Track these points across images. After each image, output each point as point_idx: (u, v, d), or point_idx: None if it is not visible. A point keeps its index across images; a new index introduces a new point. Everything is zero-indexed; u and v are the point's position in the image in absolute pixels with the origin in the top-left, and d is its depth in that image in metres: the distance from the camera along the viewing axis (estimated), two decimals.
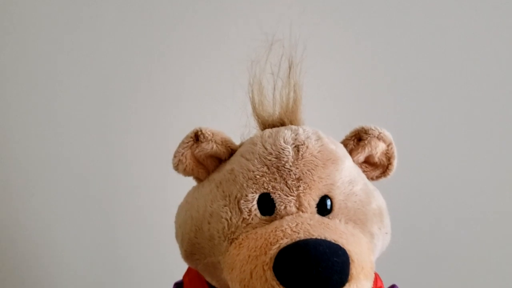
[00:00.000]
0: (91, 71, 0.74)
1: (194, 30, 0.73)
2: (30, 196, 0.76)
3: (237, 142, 0.44)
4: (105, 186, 0.77)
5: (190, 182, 0.45)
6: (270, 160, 0.39)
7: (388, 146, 0.44)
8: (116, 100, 0.75)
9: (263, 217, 0.38)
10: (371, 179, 0.45)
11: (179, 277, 0.49)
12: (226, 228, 0.38)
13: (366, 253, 0.36)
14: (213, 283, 0.41)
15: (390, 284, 0.48)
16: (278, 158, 0.39)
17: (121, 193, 0.78)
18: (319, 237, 0.34)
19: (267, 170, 0.39)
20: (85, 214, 0.77)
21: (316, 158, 0.39)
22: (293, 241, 0.34)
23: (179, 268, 0.48)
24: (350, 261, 0.33)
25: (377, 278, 0.46)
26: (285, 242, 0.34)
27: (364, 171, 0.44)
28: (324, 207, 0.39)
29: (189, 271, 0.47)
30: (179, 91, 0.73)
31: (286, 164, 0.39)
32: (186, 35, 0.73)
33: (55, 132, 0.75)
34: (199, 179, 0.44)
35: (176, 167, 0.42)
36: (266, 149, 0.39)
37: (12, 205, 0.76)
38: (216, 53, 0.70)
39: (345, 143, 0.44)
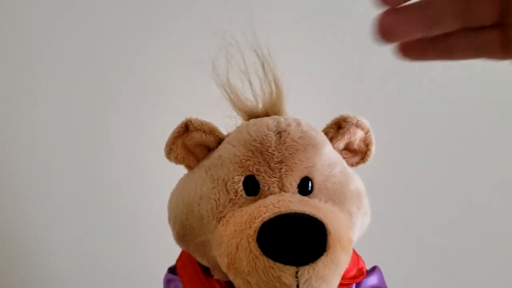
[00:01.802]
0: (84, 70, 0.76)
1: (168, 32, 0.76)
2: (28, 195, 0.78)
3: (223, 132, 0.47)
4: (102, 185, 0.79)
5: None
6: (254, 146, 0.42)
7: (366, 133, 0.47)
8: (107, 101, 0.77)
9: (249, 197, 0.41)
10: (351, 165, 0.48)
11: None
12: (215, 208, 0.41)
13: (343, 227, 0.39)
14: (204, 262, 0.44)
15: (371, 265, 0.51)
16: (261, 143, 0.42)
17: (111, 191, 0.79)
18: (298, 211, 0.37)
19: (251, 155, 0.42)
20: (83, 214, 0.79)
21: (297, 143, 0.42)
22: (275, 214, 0.36)
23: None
24: (328, 232, 0.36)
25: (358, 259, 0.48)
26: (267, 216, 0.37)
27: (344, 158, 0.47)
28: (305, 188, 0.42)
29: (181, 255, 0.49)
30: (164, 89, 0.76)
31: (269, 148, 0.42)
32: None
33: (52, 131, 0.77)
34: (189, 167, 0.47)
35: (168, 155, 0.45)
36: (251, 135, 0.43)
37: (11, 204, 0.78)
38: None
39: (325, 131, 0.47)
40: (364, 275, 0.48)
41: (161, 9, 0.76)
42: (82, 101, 0.77)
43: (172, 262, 0.51)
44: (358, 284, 0.47)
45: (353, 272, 0.47)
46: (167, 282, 0.50)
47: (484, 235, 0.79)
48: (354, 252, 0.48)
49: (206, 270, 0.45)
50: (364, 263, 0.49)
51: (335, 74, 0.77)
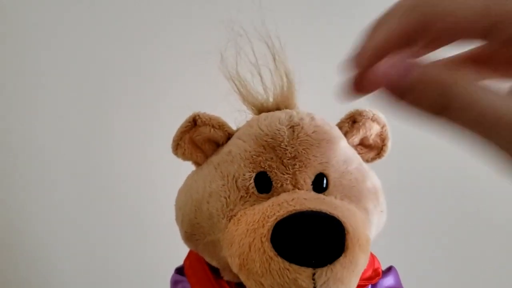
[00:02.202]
0: (88, 64, 0.75)
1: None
2: (26, 195, 0.77)
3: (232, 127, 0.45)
4: (101, 183, 0.78)
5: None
6: (266, 141, 0.40)
7: (382, 127, 0.44)
8: (109, 97, 0.76)
9: (261, 195, 0.39)
10: (366, 161, 0.46)
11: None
12: (225, 205, 0.39)
13: (361, 226, 0.37)
14: (213, 263, 0.42)
15: (387, 265, 0.49)
16: (273, 138, 0.40)
17: (117, 190, 0.78)
18: (315, 209, 0.35)
19: (263, 150, 0.40)
20: (82, 212, 0.78)
21: (311, 137, 0.40)
22: (290, 213, 0.35)
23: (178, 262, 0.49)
24: (346, 232, 0.34)
25: (374, 259, 0.47)
26: (281, 214, 0.35)
27: (359, 153, 0.45)
28: (319, 185, 0.40)
29: (189, 255, 0.48)
30: (171, 85, 0.74)
31: (282, 143, 0.40)
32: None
33: (49, 129, 0.76)
34: (197, 164, 0.45)
35: (175, 151, 0.43)
36: (262, 130, 0.41)
37: (8, 204, 0.76)
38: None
39: (340, 125, 0.44)
40: (380, 276, 0.46)
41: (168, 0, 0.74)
42: (85, 97, 0.76)
43: (179, 262, 0.49)
44: (374, 285, 0.45)
45: (369, 272, 0.45)
46: (174, 283, 0.48)
47: (502, 235, 0.77)
48: (370, 253, 0.46)
49: (215, 271, 0.43)
50: (379, 263, 0.47)
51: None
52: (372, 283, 0.45)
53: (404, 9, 0.22)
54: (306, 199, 0.36)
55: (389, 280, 0.47)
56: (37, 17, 0.73)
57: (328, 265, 0.32)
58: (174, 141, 0.43)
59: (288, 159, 0.39)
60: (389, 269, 0.49)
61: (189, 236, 0.42)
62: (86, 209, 0.78)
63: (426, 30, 0.22)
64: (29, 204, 0.77)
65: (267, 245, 0.34)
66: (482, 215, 0.77)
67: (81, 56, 0.75)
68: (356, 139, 0.45)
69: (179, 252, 0.48)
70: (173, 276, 0.49)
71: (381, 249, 0.47)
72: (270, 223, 0.34)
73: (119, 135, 0.77)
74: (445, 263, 0.77)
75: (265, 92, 0.44)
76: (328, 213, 0.35)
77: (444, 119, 0.22)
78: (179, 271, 0.48)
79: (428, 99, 0.22)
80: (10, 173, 0.76)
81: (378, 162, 0.46)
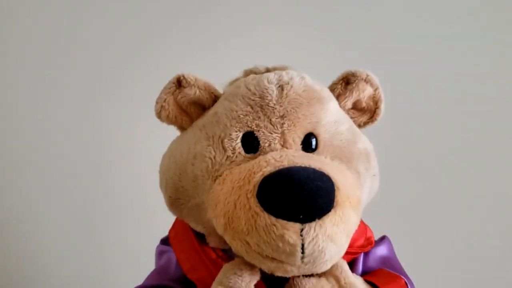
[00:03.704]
0: (78, 63, 0.75)
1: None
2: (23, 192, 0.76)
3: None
4: (96, 182, 0.77)
5: None
6: (253, 100, 0.38)
7: (375, 90, 0.43)
8: (104, 92, 0.75)
9: (247, 155, 0.37)
10: (359, 125, 0.44)
11: None
12: (210, 166, 0.37)
13: (352, 185, 0.35)
14: (199, 228, 0.40)
15: (380, 235, 0.48)
16: (261, 97, 0.38)
17: (112, 189, 0.77)
18: (303, 165, 0.33)
19: (250, 110, 0.38)
20: (76, 210, 0.77)
21: (301, 96, 0.39)
22: (277, 168, 0.33)
23: None
24: (336, 188, 0.32)
25: (366, 228, 0.45)
26: (268, 170, 0.33)
27: (351, 117, 0.43)
28: (309, 144, 0.38)
29: (174, 224, 0.46)
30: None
31: (270, 102, 0.38)
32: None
33: (46, 128, 0.76)
34: (182, 128, 0.43)
35: (159, 114, 0.41)
36: (249, 90, 0.39)
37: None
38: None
39: (332, 87, 0.43)
40: (373, 245, 0.44)
41: None
42: (83, 95, 0.75)
43: None
44: (366, 254, 0.44)
45: (361, 241, 0.43)
46: (160, 253, 0.46)
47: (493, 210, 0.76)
48: (361, 221, 0.44)
49: (201, 238, 0.41)
50: (372, 232, 0.46)
51: (344, 27, 0.73)
52: (365, 251, 0.43)
53: None
54: (294, 156, 0.35)
55: (382, 250, 0.45)
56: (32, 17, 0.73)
57: (317, 220, 0.31)
58: (157, 103, 0.41)
59: (277, 118, 0.37)
60: (382, 238, 0.47)
61: (174, 201, 0.40)
62: (84, 209, 0.77)
63: None
64: (28, 205, 0.76)
65: (253, 201, 0.32)
66: (478, 188, 0.76)
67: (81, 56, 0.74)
68: (349, 102, 0.43)
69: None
70: (158, 246, 0.47)
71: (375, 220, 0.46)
72: (256, 179, 0.33)
73: (117, 133, 0.76)
74: (441, 235, 0.76)
75: None
76: (317, 168, 0.33)
77: None
78: (164, 241, 0.47)
79: None
80: (9, 173, 0.75)
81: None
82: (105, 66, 0.75)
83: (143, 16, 0.73)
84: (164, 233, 0.47)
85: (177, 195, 0.39)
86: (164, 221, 0.46)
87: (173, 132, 0.44)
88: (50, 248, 0.77)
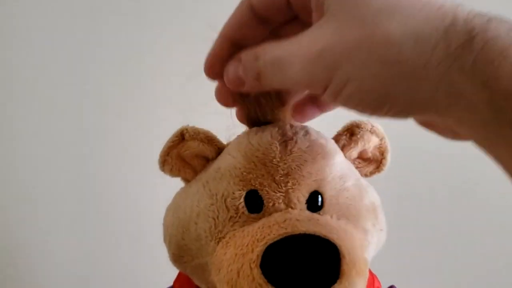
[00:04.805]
0: (79, 68, 0.75)
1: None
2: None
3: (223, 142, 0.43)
4: (96, 186, 0.78)
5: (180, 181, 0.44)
6: (257, 156, 0.38)
7: (381, 140, 0.42)
8: (105, 100, 0.75)
9: (251, 215, 0.36)
10: (365, 175, 0.43)
11: (170, 279, 0.47)
12: (213, 227, 0.36)
13: (358, 249, 0.35)
14: (203, 286, 0.40)
15: (388, 284, 0.47)
16: (265, 154, 0.37)
17: (111, 192, 0.77)
18: (307, 232, 0.32)
19: (253, 167, 0.37)
20: (76, 213, 0.77)
21: (305, 153, 0.38)
22: (280, 237, 0.32)
23: (172, 269, 0.47)
24: (341, 256, 0.31)
25: (374, 279, 0.44)
26: (272, 237, 0.32)
27: (357, 167, 0.43)
28: (314, 203, 0.37)
29: (179, 276, 0.45)
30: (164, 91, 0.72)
31: (274, 159, 0.37)
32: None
33: (44, 129, 0.76)
34: (186, 180, 0.42)
35: (162, 168, 0.41)
36: (252, 145, 0.38)
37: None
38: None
39: (336, 138, 0.42)
40: None
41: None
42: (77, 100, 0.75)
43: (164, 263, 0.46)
44: None
45: None
46: None
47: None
48: (370, 271, 0.43)
49: None
50: (379, 283, 0.45)
51: None
52: None
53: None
54: (298, 221, 0.34)
55: None
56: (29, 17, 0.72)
57: None
58: (160, 157, 0.41)
59: (281, 176, 0.37)
60: None
61: (177, 258, 0.39)
62: (81, 214, 0.77)
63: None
64: (26, 206, 0.76)
65: (256, 272, 0.31)
66: (491, 233, 0.75)
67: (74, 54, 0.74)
68: (354, 152, 0.42)
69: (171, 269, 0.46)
70: None
71: (381, 266, 0.45)
72: (260, 247, 0.32)
73: (115, 137, 0.76)
74: (449, 280, 0.75)
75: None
76: (322, 236, 0.32)
77: (263, 86, 0.28)
78: None
79: (248, 75, 0.27)
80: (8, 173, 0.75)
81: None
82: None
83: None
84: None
85: (181, 252, 0.39)
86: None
87: None
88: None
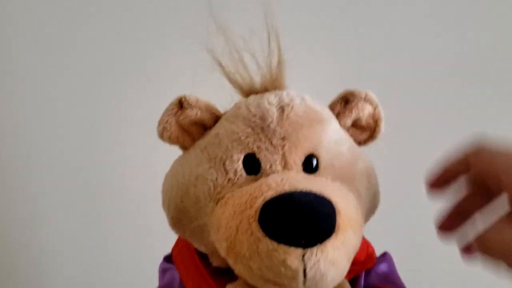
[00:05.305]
0: (78, 64, 0.75)
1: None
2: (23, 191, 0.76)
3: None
4: (96, 182, 0.77)
5: None
6: (254, 122, 0.39)
7: (374, 108, 0.43)
8: (99, 92, 0.75)
9: (249, 177, 0.37)
10: (359, 143, 0.44)
11: None
12: (212, 189, 0.37)
13: (353, 207, 0.36)
14: (201, 248, 0.41)
15: (381, 251, 0.48)
16: (262, 119, 0.38)
17: (112, 188, 0.77)
18: (304, 189, 0.33)
19: (251, 131, 0.38)
20: (77, 211, 0.77)
21: (302, 118, 0.39)
22: (278, 193, 0.33)
23: None
24: (337, 211, 0.33)
25: (368, 244, 0.45)
26: (269, 194, 0.33)
27: (351, 136, 0.44)
28: (310, 166, 0.38)
29: (178, 242, 0.46)
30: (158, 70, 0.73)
31: (271, 124, 0.38)
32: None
33: (45, 127, 0.76)
34: (185, 148, 0.43)
35: (161, 135, 0.42)
36: (250, 111, 0.39)
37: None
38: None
39: (332, 107, 0.43)
40: (374, 261, 0.45)
41: None
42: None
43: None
44: (367, 271, 0.44)
45: (362, 257, 0.43)
46: (163, 271, 0.47)
47: None
48: (363, 237, 0.44)
49: (204, 258, 0.42)
50: (373, 248, 0.46)
51: (342, 46, 0.73)
52: (366, 267, 0.44)
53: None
54: (296, 180, 0.35)
55: (383, 266, 0.46)
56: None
57: (318, 245, 0.31)
58: (159, 125, 0.41)
59: (277, 140, 0.38)
60: (384, 255, 0.47)
61: (176, 221, 0.40)
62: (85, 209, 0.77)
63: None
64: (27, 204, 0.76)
65: (255, 226, 0.32)
66: None
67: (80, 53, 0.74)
68: (349, 120, 0.43)
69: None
70: (161, 264, 0.47)
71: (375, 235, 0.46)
72: (258, 204, 0.33)
73: (110, 133, 0.76)
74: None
75: (257, 71, 0.43)
76: (319, 193, 0.33)
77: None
78: (168, 259, 0.47)
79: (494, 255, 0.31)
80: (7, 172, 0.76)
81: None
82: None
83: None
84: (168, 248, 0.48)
85: (180, 216, 0.40)
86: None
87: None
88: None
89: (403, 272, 0.47)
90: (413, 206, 0.74)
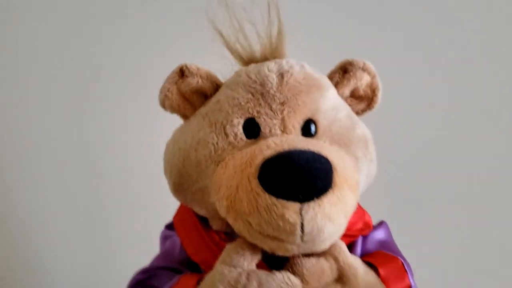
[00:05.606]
0: (78, 61, 0.76)
1: None
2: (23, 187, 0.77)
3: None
4: (98, 180, 0.78)
5: None
6: (254, 88, 0.39)
7: (372, 78, 0.44)
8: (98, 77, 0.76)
9: (249, 140, 0.38)
10: (357, 112, 0.45)
11: None
12: (213, 151, 0.38)
13: (350, 168, 0.37)
14: (202, 212, 0.42)
15: (378, 220, 0.49)
16: (262, 85, 0.39)
17: (114, 186, 0.78)
18: (302, 148, 0.34)
19: (251, 97, 0.39)
20: (79, 208, 0.78)
21: (300, 84, 0.40)
22: (277, 152, 0.34)
23: None
24: (333, 169, 0.34)
25: (364, 213, 0.46)
26: (269, 153, 0.34)
27: (349, 105, 0.44)
28: (308, 130, 0.39)
29: (178, 210, 0.47)
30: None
31: (271, 90, 0.39)
32: None
33: (45, 124, 0.77)
34: (185, 117, 0.44)
35: (163, 103, 0.42)
36: (250, 78, 0.40)
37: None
38: None
39: (330, 76, 0.44)
40: (371, 229, 0.46)
41: None
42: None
43: None
44: (364, 237, 0.45)
45: (359, 224, 0.44)
46: (164, 238, 0.48)
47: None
48: (359, 206, 0.45)
49: (204, 222, 0.43)
50: (370, 217, 0.47)
51: (341, 16, 0.73)
52: (363, 234, 0.45)
53: None
54: (294, 141, 0.36)
55: (380, 233, 0.47)
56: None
57: (315, 199, 0.32)
58: (161, 92, 0.42)
59: (277, 105, 0.39)
60: (380, 223, 0.48)
61: (178, 186, 0.41)
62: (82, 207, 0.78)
63: None
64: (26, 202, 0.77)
65: (254, 183, 0.33)
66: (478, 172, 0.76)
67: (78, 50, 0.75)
68: (347, 90, 0.44)
69: None
70: (162, 231, 0.48)
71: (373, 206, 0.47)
72: (258, 162, 0.34)
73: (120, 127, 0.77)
74: (440, 221, 0.76)
75: (257, 41, 0.44)
76: (316, 151, 0.34)
77: None
78: (169, 226, 0.48)
79: None
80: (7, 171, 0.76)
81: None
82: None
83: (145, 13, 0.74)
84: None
85: (181, 180, 0.41)
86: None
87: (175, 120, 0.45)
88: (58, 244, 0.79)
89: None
90: None
